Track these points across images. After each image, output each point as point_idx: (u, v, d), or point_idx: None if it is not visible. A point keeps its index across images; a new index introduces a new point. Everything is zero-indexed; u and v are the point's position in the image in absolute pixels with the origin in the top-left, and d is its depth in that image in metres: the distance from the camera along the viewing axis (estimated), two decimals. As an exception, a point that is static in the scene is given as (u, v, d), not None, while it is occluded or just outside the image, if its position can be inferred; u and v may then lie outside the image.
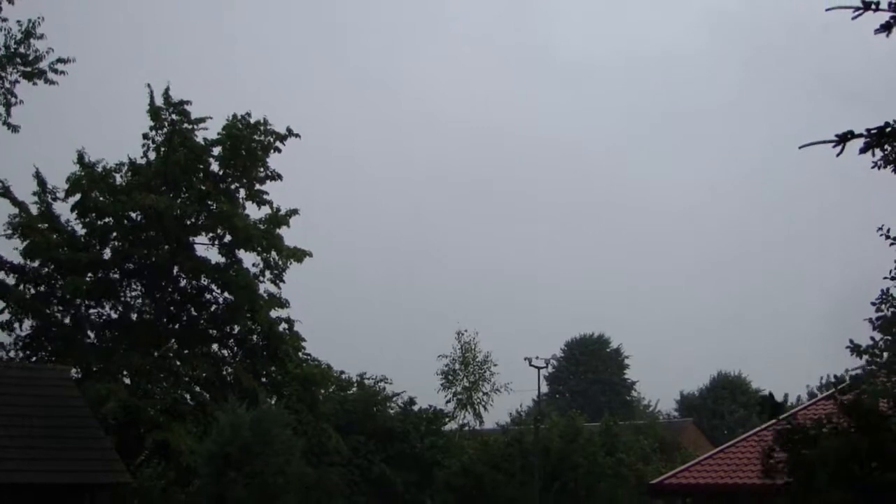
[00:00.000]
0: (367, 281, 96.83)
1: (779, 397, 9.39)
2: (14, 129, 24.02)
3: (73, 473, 20.24)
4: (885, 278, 10.19)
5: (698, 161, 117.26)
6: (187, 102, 32.81)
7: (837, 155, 7.70)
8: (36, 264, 31.52)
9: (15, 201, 31.49)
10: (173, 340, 33.33)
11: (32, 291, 31.75)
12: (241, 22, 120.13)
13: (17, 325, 31.20)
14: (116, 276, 32.81)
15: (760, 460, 9.58)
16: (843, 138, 7.68)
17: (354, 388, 46.96)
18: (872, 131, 7.73)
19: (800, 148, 7.84)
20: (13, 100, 23.83)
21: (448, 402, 52.98)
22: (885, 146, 8.05)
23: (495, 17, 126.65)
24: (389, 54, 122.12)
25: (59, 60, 24.47)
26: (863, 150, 7.81)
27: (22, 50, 23.88)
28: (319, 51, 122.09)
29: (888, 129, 7.75)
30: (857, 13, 7.54)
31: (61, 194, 32.04)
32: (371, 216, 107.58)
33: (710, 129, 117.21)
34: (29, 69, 24.00)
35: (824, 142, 7.69)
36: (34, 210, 31.91)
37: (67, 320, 32.24)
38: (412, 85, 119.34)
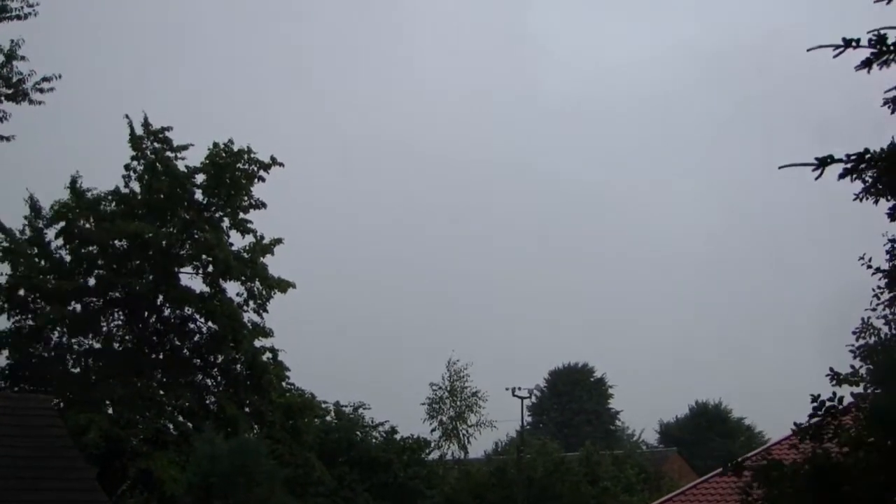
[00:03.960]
0: (350, 310, 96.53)
1: (761, 426, 9.38)
2: (6, 139, 23.70)
3: (54, 504, 20.04)
4: (867, 309, 10.28)
5: (679, 193, 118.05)
6: (168, 129, 32.71)
7: (816, 178, 7.86)
8: (21, 293, 31.22)
9: (1, 227, 31.29)
10: (156, 370, 33.08)
11: (12, 324, 31.36)
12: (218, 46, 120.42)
13: None
14: (99, 304, 32.52)
15: (739, 498, 9.57)
16: (823, 162, 7.83)
17: (331, 416, 46.67)
18: (852, 157, 7.88)
19: (779, 168, 8.00)
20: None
21: (433, 430, 52.75)
22: (864, 175, 8.17)
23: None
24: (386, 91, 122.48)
25: (44, 79, 24.09)
26: (841, 176, 7.95)
27: (4, 72, 23.62)
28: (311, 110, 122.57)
29: (867, 156, 7.89)
30: (838, 51, 7.70)
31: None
32: (355, 246, 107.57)
33: (691, 163, 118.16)
34: (11, 91, 23.71)
35: (804, 164, 7.84)
36: (24, 235, 31.56)
37: (46, 351, 31.79)
38: (398, 126, 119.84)
